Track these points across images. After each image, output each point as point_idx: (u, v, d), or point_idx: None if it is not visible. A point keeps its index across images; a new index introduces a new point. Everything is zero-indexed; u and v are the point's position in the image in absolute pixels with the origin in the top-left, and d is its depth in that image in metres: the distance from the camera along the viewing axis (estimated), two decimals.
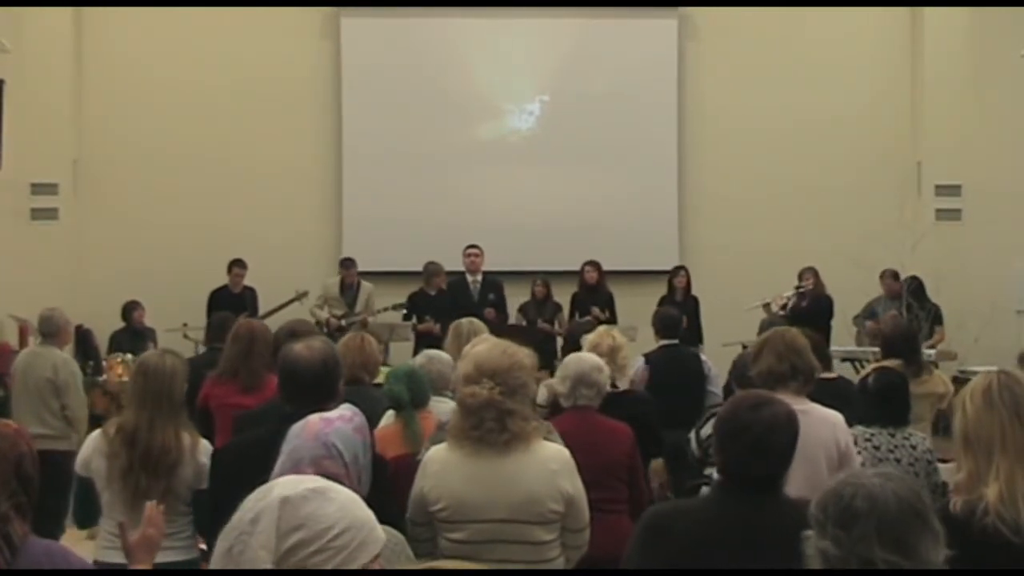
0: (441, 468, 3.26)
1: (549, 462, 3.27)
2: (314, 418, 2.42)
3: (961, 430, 3.05)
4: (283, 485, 1.83)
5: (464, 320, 5.61)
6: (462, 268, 10.62)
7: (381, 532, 1.83)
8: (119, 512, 3.83)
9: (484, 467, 3.21)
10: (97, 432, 4.00)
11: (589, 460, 4.10)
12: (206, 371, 5.39)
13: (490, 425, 3.19)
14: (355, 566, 1.75)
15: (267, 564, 1.73)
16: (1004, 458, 2.92)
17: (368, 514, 1.83)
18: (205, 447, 3.98)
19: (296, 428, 2.42)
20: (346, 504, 1.81)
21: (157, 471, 3.84)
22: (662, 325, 7.13)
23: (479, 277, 10.55)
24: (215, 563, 1.82)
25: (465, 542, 3.22)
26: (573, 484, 3.31)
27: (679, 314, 7.41)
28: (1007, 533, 2.70)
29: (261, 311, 10.54)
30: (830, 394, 4.49)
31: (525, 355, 3.35)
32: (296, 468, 2.33)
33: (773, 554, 2.63)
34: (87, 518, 4.04)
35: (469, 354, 3.42)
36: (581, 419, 4.37)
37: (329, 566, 1.73)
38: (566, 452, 3.36)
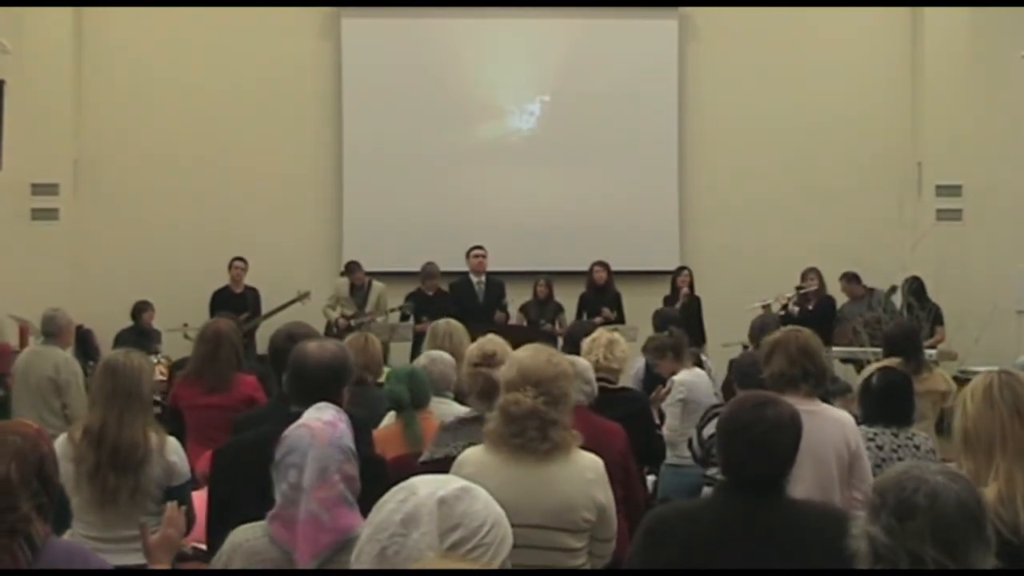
0: (476, 471, 3.19)
1: (586, 471, 3.27)
2: (316, 424, 2.41)
3: (961, 429, 3.04)
4: (428, 484, 1.84)
5: (441, 321, 5.65)
6: (462, 268, 10.61)
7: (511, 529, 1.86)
8: (90, 513, 3.81)
9: (522, 472, 3.19)
10: (62, 437, 3.93)
11: None
12: None
13: (532, 434, 3.20)
14: (497, 563, 1.79)
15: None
16: (1004, 458, 2.91)
17: (501, 511, 1.85)
18: (173, 445, 3.96)
19: (300, 436, 2.40)
20: (488, 501, 1.84)
21: (125, 468, 3.80)
22: (663, 325, 7.14)
23: (483, 278, 10.53)
24: (365, 565, 1.79)
25: None
26: (606, 494, 3.31)
27: (680, 314, 7.41)
28: (1005, 533, 2.65)
29: (263, 312, 10.55)
30: None
31: (568, 363, 3.36)
32: (323, 477, 2.36)
33: (775, 554, 2.61)
34: (59, 526, 3.99)
35: (513, 358, 3.39)
36: (576, 418, 4.35)
37: (481, 563, 1.77)
38: (600, 462, 3.34)
